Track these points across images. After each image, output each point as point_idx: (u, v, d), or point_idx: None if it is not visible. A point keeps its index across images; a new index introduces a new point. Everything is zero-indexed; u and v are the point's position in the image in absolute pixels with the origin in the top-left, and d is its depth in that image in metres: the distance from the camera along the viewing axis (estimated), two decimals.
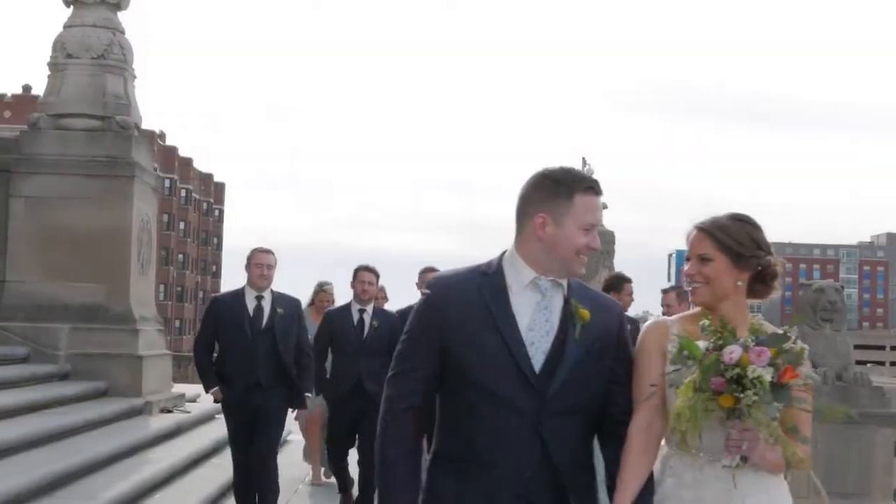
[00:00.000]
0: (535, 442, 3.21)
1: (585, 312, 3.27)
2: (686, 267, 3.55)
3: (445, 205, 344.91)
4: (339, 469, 9.67)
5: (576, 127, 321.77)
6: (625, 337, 3.43)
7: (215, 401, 8.66)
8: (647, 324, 3.62)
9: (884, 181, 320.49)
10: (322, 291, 11.26)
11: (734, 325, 3.29)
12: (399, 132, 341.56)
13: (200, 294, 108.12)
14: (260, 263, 8.37)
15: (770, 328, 3.39)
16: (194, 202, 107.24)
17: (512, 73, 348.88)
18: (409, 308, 10.08)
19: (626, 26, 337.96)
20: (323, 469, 11.26)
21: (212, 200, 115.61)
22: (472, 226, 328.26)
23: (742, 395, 3.13)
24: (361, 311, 9.28)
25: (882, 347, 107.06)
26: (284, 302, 8.50)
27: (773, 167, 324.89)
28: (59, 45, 12.92)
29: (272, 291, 8.47)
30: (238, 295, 8.47)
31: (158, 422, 11.71)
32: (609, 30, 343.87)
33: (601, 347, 3.32)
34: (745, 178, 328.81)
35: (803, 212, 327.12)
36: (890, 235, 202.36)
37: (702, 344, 3.26)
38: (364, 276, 9.30)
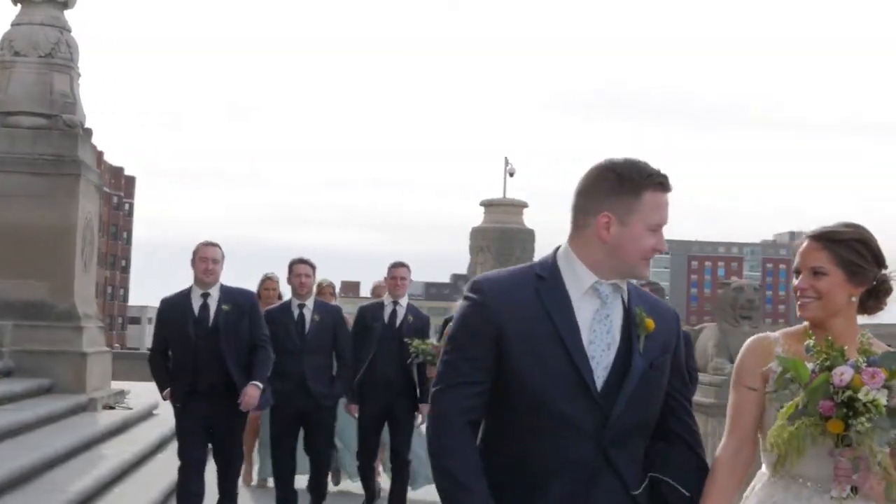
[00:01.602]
0: (597, 464, 2.92)
1: (651, 322, 2.99)
2: (797, 280, 3.32)
3: (371, 202, 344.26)
4: (284, 480, 8.94)
5: (501, 126, 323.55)
6: (682, 345, 3.17)
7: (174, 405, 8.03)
8: (749, 340, 3.39)
9: (787, 181, 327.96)
10: (267, 279, 10.83)
11: (843, 343, 3.07)
12: (323, 129, 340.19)
13: (109, 289, 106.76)
14: (205, 258, 7.83)
15: (880, 346, 3.19)
16: (104, 196, 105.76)
17: (442, 73, 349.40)
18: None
19: (552, 27, 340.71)
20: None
21: (122, 194, 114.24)
22: (399, 224, 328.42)
23: (853, 421, 2.91)
24: (301, 307, 8.87)
25: None
26: (233, 297, 7.94)
27: (683, 167, 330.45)
28: (7, 43, 12.96)
29: (221, 287, 7.94)
30: (184, 294, 7.97)
31: (105, 418, 11.83)
32: (537, 31, 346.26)
33: (664, 360, 3.05)
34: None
35: (709, 210, 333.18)
36: (793, 234, 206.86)
37: (808, 365, 3.03)
38: (300, 269, 8.93)
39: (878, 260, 3.32)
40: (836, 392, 2.94)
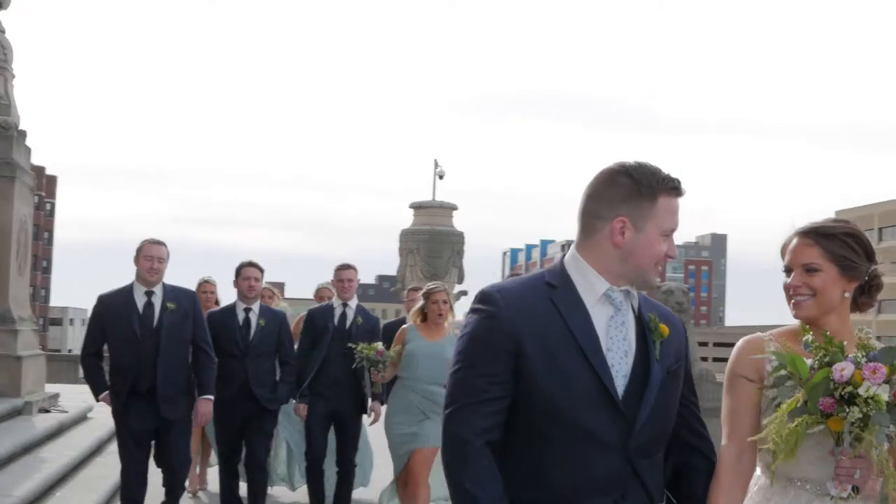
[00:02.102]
0: (625, 478, 2.83)
1: (665, 328, 2.92)
2: (788, 279, 3.25)
3: (295, 202, 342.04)
4: (229, 486, 8.92)
5: (431, 129, 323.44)
6: (688, 353, 3.09)
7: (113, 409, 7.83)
8: (741, 341, 3.30)
9: (708, 184, 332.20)
10: (204, 283, 10.64)
11: (841, 340, 2.98)
12: (251, 129, 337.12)
13: (30, 289, 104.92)
14: (150, 256, 7.66)
15: (878, 344, 3.12)
16: None
17: (369, 75, 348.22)
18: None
19: (480, 29, 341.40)
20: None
21: (43, 194, 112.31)
22: (324, 224, 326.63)
23: (847, 410, 2.85)
24: (247, 311, 8.75)
25: (705, 344, 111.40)
26: (176, 296, 7.79)
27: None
28: None
29: (164, 285, 7.79)
30: (125, 292, 7.73)
31: (41, 421, 11.74)
32: (466, 33, 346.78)
33: (679, 367, 2.99)
34: (582, 180, 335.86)
35: None
36: (714, 236, 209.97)
37: (807, 361, 2.96)
38: (249, 272, 8.78)
39: (869, 254, 3.24)
40: (837, 388, 2.87)
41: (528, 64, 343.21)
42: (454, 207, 28.87)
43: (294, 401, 9.12)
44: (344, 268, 9.28)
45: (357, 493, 10.02)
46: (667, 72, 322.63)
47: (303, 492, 10.26)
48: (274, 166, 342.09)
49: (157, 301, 7.69)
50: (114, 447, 9.68)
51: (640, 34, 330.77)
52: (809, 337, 3.05)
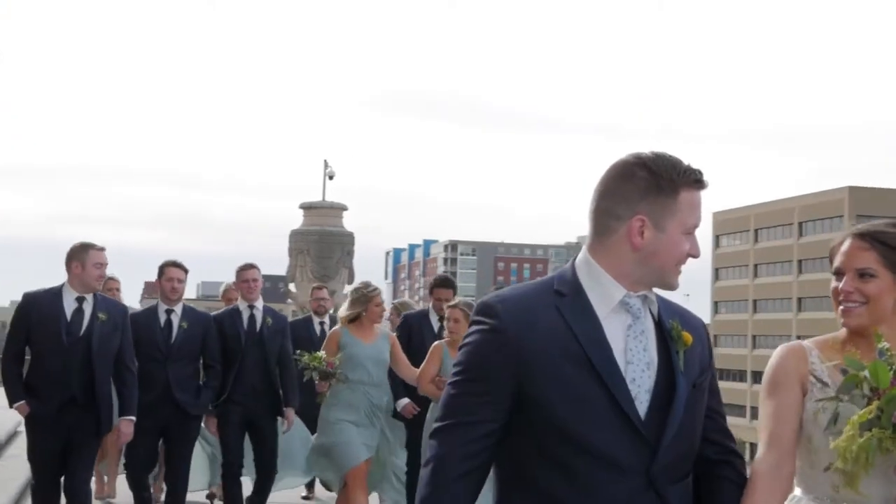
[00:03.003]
0: None
1: (688, 336, 2.66)
2: (842, 283, 3.01)
3: (167, 199, 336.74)
4: (141, 497, 8.46)
5: (321, 129, 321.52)
6: (712, 359, 2.83)
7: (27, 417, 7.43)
8: (781, 347, 3.08)
9: (589, 184, 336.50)
10: (109, 279, 9.83)
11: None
12: (120, 123, 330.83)
13: None
14: (101, 264, 7.36)
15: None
16: None
17: (253, 72, 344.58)
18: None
19: (369, 27, 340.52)
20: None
21: None
22: (196, 221, 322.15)
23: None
24: (169, 312, 8.32)
25: None
26: (108, 307, 7.49)
27: (488, 168, 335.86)
28: None
29: (96, 294, 7.44)
30: (54, 293, 7.33)
31: None
32: (355, 30, 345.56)
33: (705, 378, 2.73)
34: (463, 180, 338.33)
35: (514, 212, 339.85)
36: None
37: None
38: (172, 273, 8.37)
39: None
40: None
41: (415, 64, 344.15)
42: (344, 208, 28.99)
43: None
44: (247, 268, 8.90)
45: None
46: (553, 75, 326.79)
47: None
48: (162, 166, 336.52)
49: (88, 308, 7.35)
50: (12, 452, 9.55)
51: (527, 36, 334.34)
52: (885, 344, 2.75)
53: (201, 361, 8.58)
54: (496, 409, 2.57)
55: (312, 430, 9.24)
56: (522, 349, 2.55)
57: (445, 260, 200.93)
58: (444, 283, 9.48)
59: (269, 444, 8.90)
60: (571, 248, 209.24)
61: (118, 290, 10.40)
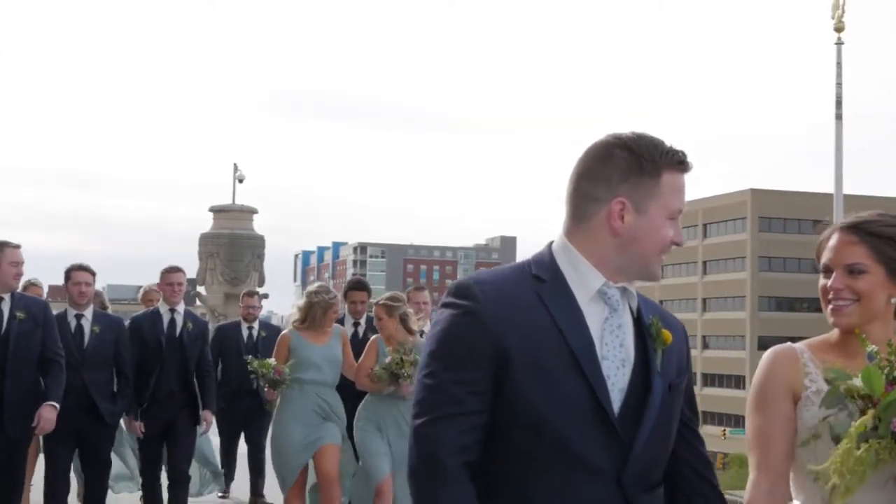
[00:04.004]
0: None
1: (668, 334, 2.50)
2: (830, 280, 2.80)
3: (71, 201, 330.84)
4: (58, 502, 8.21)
5: (230, 132, 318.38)
6: (690, 363, 2.66)
7: None
8: (770, 352, 2.85)
9: (498, 186, 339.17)
10: (31, 285, 9.64)
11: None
12: (21, 122, 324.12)
13: None
14: (16, 262, 7.28)
15: None
16: None
17: (159, 72, 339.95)
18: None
19: (276, 26, 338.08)
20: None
21: None
22: (101, 223, 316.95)
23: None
24: (79, 317, 8.14)
25: None
26: (26, 304, 7.41)
27: (399, 170, 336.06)
28: None
29: (13, 294, 7.36)
30: None
31: None
32: (261, 30, 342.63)
33: (681, 381, 2.57)
34: (372, 182, 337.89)
35: (423, 214, 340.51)
36: (504, 238, 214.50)
37: (856, 381, 2.52)
38: (79, 276, 8.16)
39: None
40: None
41: (324, 65, 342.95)
42: (254, 211, 28.98)
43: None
44: (173, 271, 8.81)
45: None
46: (460, 76, 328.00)
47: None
48: (54, 163, 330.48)
49: (5, 308, 7.27)
50: None
51: (436, 37, 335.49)
52: (874, 348, 2.57)
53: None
54: (482, 397, 2.37)
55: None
56: (502, 334, 2.37)
57: (354, 262, 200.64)
58: (358, 286, 9.52)
59: (183, 450, 8.77)
60: (480, 250, 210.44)
61: (40, 296, 9.97)
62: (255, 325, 10.87)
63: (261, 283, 28.27)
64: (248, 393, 10.02)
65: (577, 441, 2.37)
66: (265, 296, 27.06)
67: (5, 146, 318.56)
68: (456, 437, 2.36)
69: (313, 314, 8.15)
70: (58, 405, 7.42)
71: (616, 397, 2.42)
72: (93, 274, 8.32)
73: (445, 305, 2.46)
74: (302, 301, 8.35)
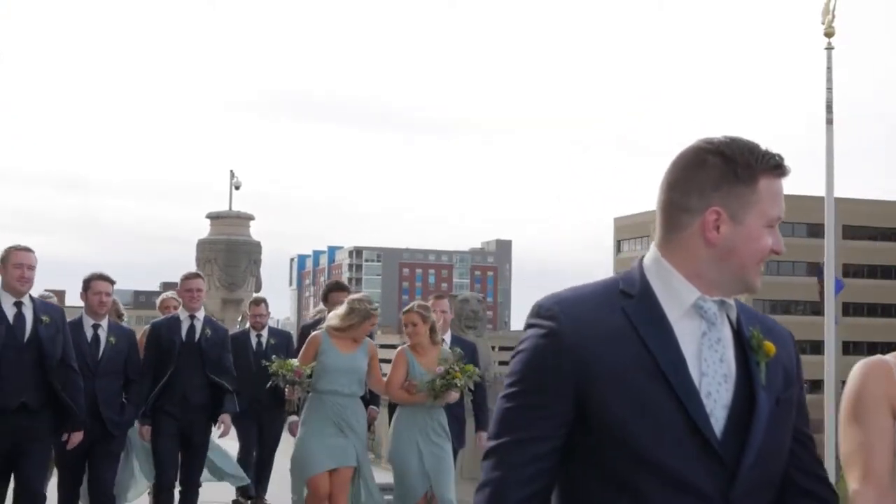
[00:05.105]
0: None
1: (770, 345, 2.36)
2: None
3: (62, 204, 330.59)
4: None
5: (221, 134, 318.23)
6: (801, 376, 2.50)
7: None
8: (862, 365, 2.81)
9: (494, 190, 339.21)
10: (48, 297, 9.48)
11: None
12: (16, 124, 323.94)
13: None
14: (20, 263, 7.27)
15: None
16: None
17: (156, 76, 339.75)
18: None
19: (268, 30, 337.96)
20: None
21: None
22: (91, 227, 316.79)
23: None
24: (96, 327, 8.18)
25: (493, 348, 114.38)
26: (48, 309, 7.47)
27: (395, 175, 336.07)
28: None
29: (31, 297, 7.41)
30: None
31: None
32: (254, 41, 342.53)
33: (790, 394, 2.41)
34: (367, 186, 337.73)
35: (419, 218, 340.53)
36: (499, 242, 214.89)
37: None
38: (99, 286, 8.19)
39: None
40: None
41: (321, 69, 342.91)
42: (251, 217, 29.12)
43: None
44: (192, 277, 8.86)
45: None
46: (460, 76, 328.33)
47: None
48: (49, 166, 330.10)
49: (28, 312, 7.28)
50: None
51: (435, 39, 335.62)
52: None
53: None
54: (557, 424, 2.28)
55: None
56: (584, 356, 2.26)
57: (350, 266, 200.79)
58: (340, 287, 9.51)
59: (197, 457, 8.79)
60: (476, 254, 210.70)
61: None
62: (264, 332, 10.90)
63: (258, 288, 28.41)
64: (259, 402, 10.08)
65: (674, 465, 2.23)
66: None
67: (2, 148, 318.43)
68: (523, 466, 2.28)
69: (351, 321, 7.96)
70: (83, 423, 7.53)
71: (720, 415, 2.28)
72: (112, 283, 8.32)
73: (529, 326, 2.37)
74: (343, 307, 8.14)
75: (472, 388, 8.23)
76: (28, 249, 7.39)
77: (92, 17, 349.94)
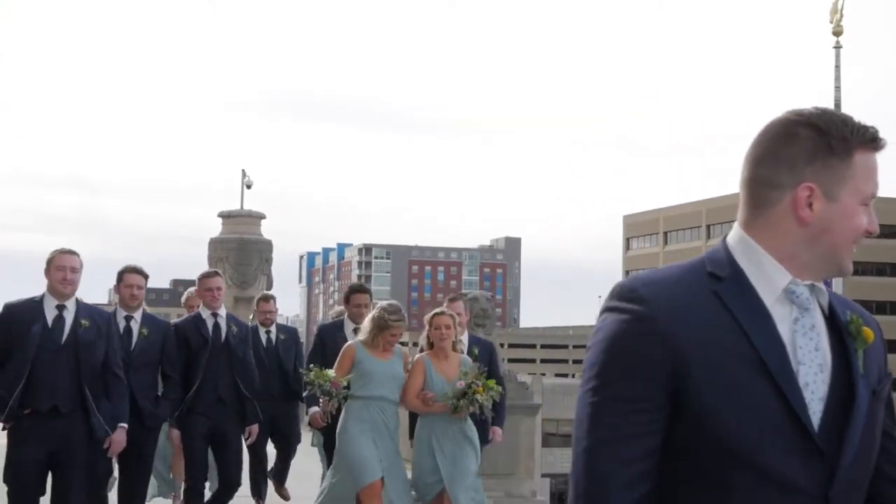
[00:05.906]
0: None
1: (869, 332, 2.20)
2: None
3: (64, 202, 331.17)
4: None
5: (238, 137, 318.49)
6: (886, 367, 2.30)
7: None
8: None
9: (502, 187, 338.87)
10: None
11: None
12: (26, 126, 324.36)
13: None
14: (63, 266, 7.23)
15: None
16: None
17: (161, 74, 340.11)
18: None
19: (271, 30, 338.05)
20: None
21: None
22: (93, 225, 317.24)
23: None
24: (129, 319, 8.14)
25: (502, 345, 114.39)
26: (91, 313, 7.38)
27: (402, 173, 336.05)
28: None
29: (77, 300, 7.34)
30: (35, 302, 7.25)
31: None
32: (265, 40, 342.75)
33: (885, 385, 2.24)
34: (377, 183, 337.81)
35: (428, 215, 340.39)
36: (508, 239, 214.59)
37: None
38: (132, 279, 8.19)
39: None
40: None
41: (329, 70, 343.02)
42: (262, 216, 29.29)
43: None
44: (211, 275, 8.83)
45: None
46: (460, 76, 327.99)
47: None
48: (62, 167, 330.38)
49: (69, 316, 7.23)
50: None
51: (438, 39, 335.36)
52: None
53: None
54: (655, 417, 2.06)
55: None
56: (678, 341, 2.06)
57: (360, 263, 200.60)
58: (361, 289, 9.53)
59: (233, 456, 8.75)
60: (485, 251, 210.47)
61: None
62: (273, 328, 10.90)
63: (269, 286, 28.56)
64: (272, 397, 10.01)
65: (773, 461, 2.06)
66: (272, 298, 27.30)
67: (6, 148, 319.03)
68: (623, 466, 2.05)
69: (373, 333, 7.99)
70: (126, 426, 7.49)
71: (816, 407, 2.10)
72: (145, 277, 8.31)
73: (608, 310, 2.14)
74: (367, 320, 8.20)
75: (493, 404, 8.14)
76: (72, 252, 7.36)
77: (92, 17, 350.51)
